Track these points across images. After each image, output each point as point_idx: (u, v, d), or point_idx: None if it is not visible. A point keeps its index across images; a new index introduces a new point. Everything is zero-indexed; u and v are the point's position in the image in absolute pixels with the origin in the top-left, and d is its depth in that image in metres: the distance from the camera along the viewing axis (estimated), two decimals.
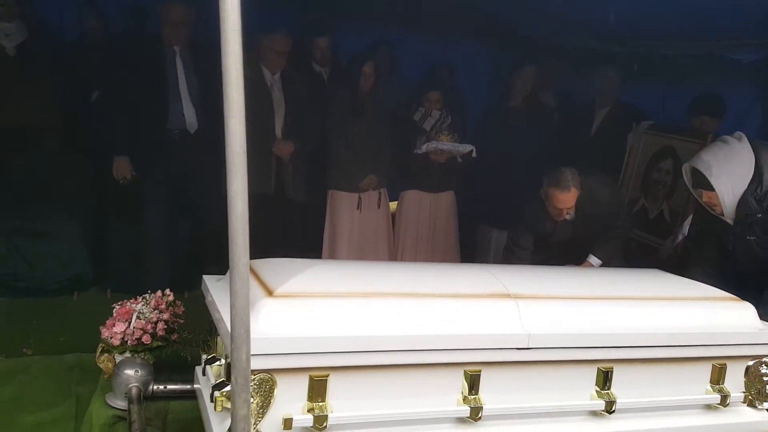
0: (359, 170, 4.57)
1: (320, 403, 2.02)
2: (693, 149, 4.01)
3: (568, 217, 3.69)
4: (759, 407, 2.67)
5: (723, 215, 3.20)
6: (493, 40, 5.47)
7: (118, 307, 3.01)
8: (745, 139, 3.16)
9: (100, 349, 2.96)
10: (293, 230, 4.49)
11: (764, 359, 2.66)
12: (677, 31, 3.83)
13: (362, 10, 4.91)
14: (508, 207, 4.28)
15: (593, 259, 3.78)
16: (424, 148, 4.51)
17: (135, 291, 3.19)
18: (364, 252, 4.70)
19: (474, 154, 4.54)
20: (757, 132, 4.26)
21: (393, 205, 4.98)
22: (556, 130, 4.79)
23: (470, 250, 5.02)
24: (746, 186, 3.07)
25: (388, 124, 4.62)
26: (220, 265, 2.50)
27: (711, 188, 3.13)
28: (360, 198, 4.64)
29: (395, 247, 4.89)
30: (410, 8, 4.65)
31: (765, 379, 2.65)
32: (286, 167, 4.38)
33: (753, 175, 3.08)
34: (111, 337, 2.90)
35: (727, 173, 3.09)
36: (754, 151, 3.11)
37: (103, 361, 2.93)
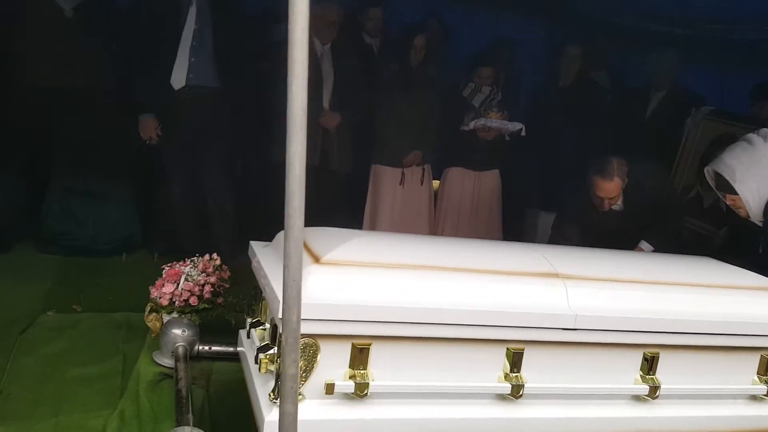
0: (404, 145, 4.55)
1: (362, 371, 2.04)
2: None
3: (615, 207, 3.60)
4: None
5: (749, 218, 3.11)
6: (549, 17, 5.35)
7: (167, 268, 3.08)
8: None
9: (148, 309, 3.04)
10: (336, 203, 4.50)
11: None
12: (737, 16, 3.67)
13: None
14: (556, 190, 4.21)
15: (645, 245, 3.70)
16: (472, 124, 4.45)
17: (181, 255, 3.26)
18: (405, 228, 4.68)
19: (523, 133, 4.46)
20: None
21: (435, 183, 4.94)
22: (608, 112, 4.66)
23: (514, 234, 4.95)
24: None
25: (436, 99, 4.56)
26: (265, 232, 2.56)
27: (735, 192, 3.04)
28: (403, 173, 4.62)
29: (436, 225, 4.86)
30: None
31: None
32: (331, 139, 4.38)
33: None
34: (160, 297, 2.97)
35: (752, 176, 3.01)
36: None
37: (152, 320, 3.02)
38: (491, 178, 4.82)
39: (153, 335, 3.02)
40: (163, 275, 3.06)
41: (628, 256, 2.84)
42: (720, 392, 2.50)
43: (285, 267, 1.45)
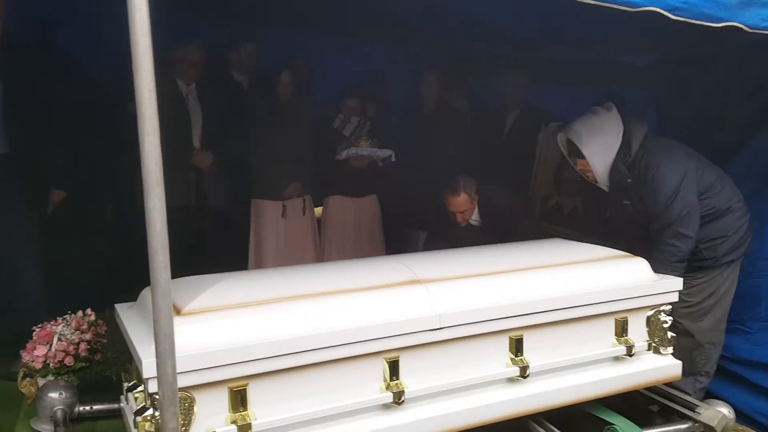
0: (282, 178, 4.61)
1: (242, 413, 2.07)
2: None
3: (474, 222, 3.89)
4: (663, 352, 2.91)
5: (597, 183, 3.44)
6: (409, 47, 5.62)
7: (37, 330, 2.94)
8: (615, 110, 3.39)
9: (21, 374, 2.89)
10: (218, 240, 4.48)
11: (662, 308, 2.90)
12: (575, 39, 4.08)
13: (282, 19, 4.95)
14: (429, 210, 4.43)
15: None
16: (345, 154, 4.60)
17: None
18: (291, 259, 4.73)
19: (393, 159, 4.66)
20: (653, 130, 4.59)
21: (318, 210, 5.03)
22: (469, 133, 4.97)
23: (398, 252, 5.14)
24: (615, 153, 3.29)
25: (308, 132, 4.67)
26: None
27: (582, 156, 3.36)
28: (284, 206, 4.67)
29: (322, 253, 4.94)
30: (329, 16, 4.73)
31: (665, 326, 2.89)
32: (206, 178, 4.36)
33: (622, 143, 3.29)
34: (32, 361, 2.83)
35: (597, 142, 3.31)
36: (624, 121, 3.34)
37: (26, 386, 2.87)
38: (370, 203, 4.98)
39: (29, 401, 2.87)
40: (34, 337, 2.92)
41: (483, 251, 3.04)
42: (585, 359, 2.73)
43: (155, 321, 1.49)
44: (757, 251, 3.44)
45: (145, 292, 2.44)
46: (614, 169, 3.31)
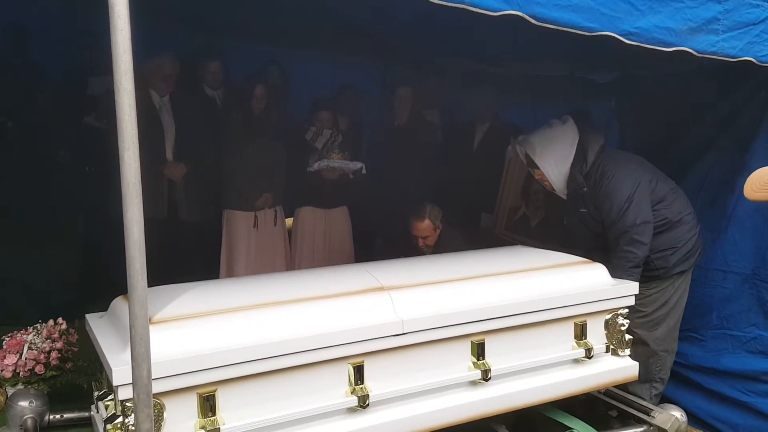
0: (254, 189, 4.66)
1: (211, 418, 2.13)
2: None
3: (426, 250, 4.01)
4: (621, 354, 3.02)
5: (555, 191, 3.58)
6: (381, 60, 5.74)
7: (7, 339, 2.95)
8: (570, 122, 3.54)
9: None
10: (189, 251, 4.51)
11: (619, 311, 3.02)
12: (539, 55, 4.23)
13: (254, 32, 5.03)
14: (399, 223, 4.52)
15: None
16: (316, 166, 4.67)
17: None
18: (262, 269, 4.77)
19: (364, 171, 4.75)
20: (616, 144, 4.77)
21: (289, 221, 5.10)
22: (441, 146, 5.09)
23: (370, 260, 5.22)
24: (570, 163, 3.43)
25: (281, 144, 4.75)
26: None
27: (538, 167, 3.51)
28: (256, 216, 4.71)
29: (293, 263, 5.00)
30: (301, 30, 4.82)
31: (622, 329, 3.01)
32: (179, 189, 4.40)
33: (577, 154, 3.43)
34: (2, 370, 2.84)
35: (550, 152, 3.46)
36: (581, 132, 3.49)
37: None
38: (340, 215, 5.05)
39: None
40: (4, 346, 2.93)
41: (446, 258, 3.15)
42: (545, 362, 2.82)
43: (131, 326, 1.56)
44: (709, 262, 3.60)
45: (116, 302, 2.49)
46: (571, 179, 3.46)
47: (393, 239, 4.95)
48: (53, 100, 4.57)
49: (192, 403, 2.10)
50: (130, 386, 1.61)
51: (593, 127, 3.70)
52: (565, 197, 3.59)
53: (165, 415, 2.05)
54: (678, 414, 3.05)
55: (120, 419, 2.08)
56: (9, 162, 4.18)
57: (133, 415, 1.87)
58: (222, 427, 2.12)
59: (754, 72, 3.01)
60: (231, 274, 4.71)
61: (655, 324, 3.43)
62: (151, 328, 2.04)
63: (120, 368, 1.91)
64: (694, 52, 2.74)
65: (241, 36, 5.20)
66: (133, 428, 1.88)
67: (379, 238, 5.22)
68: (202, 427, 2.11)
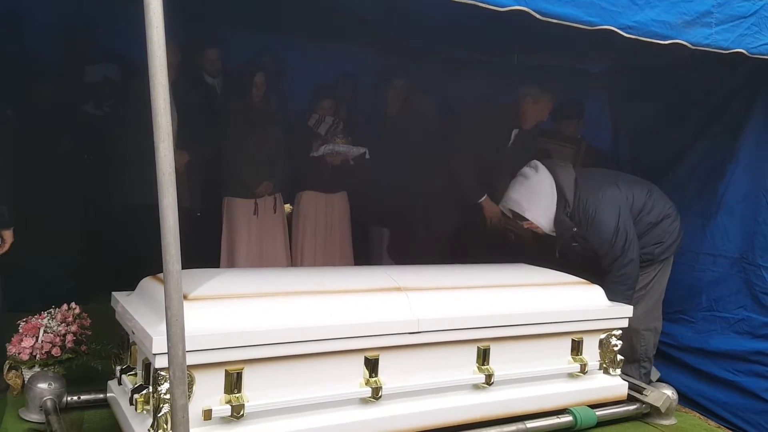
0: (255, 177, 4.73)
1: (236, 394, 2.24)
2: (566, 153, 4.55)
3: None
4: (612, 373, 3.19)
5: (548, 233, 3.67)
6: (377, 48, 5.80)
7: (23, 323, 3.02)
8: (542, 168, 3.62)
9: (7, 366, 2.96)
10: (190, 239, 4.54)
11: (613, 332, 3.18)
12: (533, 45, 4.30)
13: (253, 20, 5.06)
14: (392, 209, 4.61)
15: None
16: (321, 150, 4.75)
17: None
18: (263, 256, 4.86)
19: (367, 156, 4.84)
20: (609, 132, 4.89)
21: (287, 207, 5.18)
22: (436, 136, 5.16)
23: (363, 248, 5.33)
24: (555, 206, 3.53)
25: (282, 131, 4.81)
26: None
27: (526, 219, 3.61)
28: (256, 203, 4.78)
29: (294, 245, 5.08)
30: (298, 18, 4.86)
31: (615, 349, 3.17)
32: (180, 177, 4.43)
33: (558, 197, 3.54)
34: (19, 353, 2.91)
35: (535, 204, 3.57)
36: (553, 175, 3.58)
37: (12, 378, 2.94)
38: (340, 200, 5.14)
39: (15, 393, 2.95)
40: (20, 330, 2.99)
41: (459, 268, 3.28)
42: (543, 373, 2.98)
43: (167, 308, 1.65)
44: (699, 246, 3.76)
45: (146, 282, 2.61)
46: (558, 221, 3.56)
47: (388, 225, 5.09)
48: (52, 87, 4.57)
49: (220, 379, 2.21)
50: (165, 356, 1.71)
51: (557, 163, 3.75)
52: (554, 235, 3.67)
53: (195, 387, 2.15)
54: (669, 392, 3.21)
55: (149, 389, 2.19)
56: (10, 150, 4.16)
57: (164, 384, 2.02)
58: (246, 404, 2.23)
59: (744, 63, 3.13)
60: (231, 260, 4.79)
61: (634, 303, 3.50)
62: (189, 304, 2.17)
63: (159, 338, 1.99)
64: (689, 45, 2.86)
65: (238, 25, 5.23)
66: (166, 396, 2.00)
67: (375, 224, 5.32)
68: (228, 402, 2.21)
